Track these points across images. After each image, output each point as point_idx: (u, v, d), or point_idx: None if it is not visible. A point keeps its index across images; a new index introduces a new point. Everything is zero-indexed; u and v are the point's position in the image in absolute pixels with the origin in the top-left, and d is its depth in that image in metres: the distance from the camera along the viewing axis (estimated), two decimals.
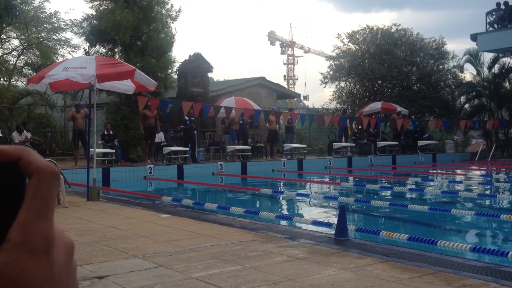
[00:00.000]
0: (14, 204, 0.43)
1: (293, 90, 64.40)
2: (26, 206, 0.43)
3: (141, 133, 15.93)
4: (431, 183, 13.96)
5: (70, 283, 0.45)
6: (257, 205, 10.61)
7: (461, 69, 26.89)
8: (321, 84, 29.83)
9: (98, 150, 13.20)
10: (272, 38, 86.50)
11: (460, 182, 13.67)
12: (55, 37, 26.27)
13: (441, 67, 27.07)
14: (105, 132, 15.79)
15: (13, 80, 24.38)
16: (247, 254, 4.59)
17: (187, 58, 21.97)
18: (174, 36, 18.69)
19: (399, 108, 22.50)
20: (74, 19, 25.23)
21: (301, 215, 8.83)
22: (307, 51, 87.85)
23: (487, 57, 24.85)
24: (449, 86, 26.83)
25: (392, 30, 27.71)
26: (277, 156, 18.98)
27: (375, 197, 10.70)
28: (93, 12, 17.97)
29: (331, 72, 28.50)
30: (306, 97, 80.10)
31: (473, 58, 25.11)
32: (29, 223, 0.42)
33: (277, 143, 19.21)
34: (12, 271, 0.41)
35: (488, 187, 12.96)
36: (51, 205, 0.44)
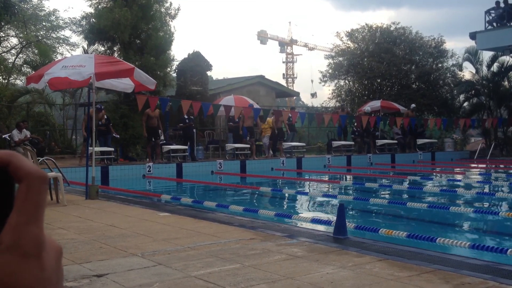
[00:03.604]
0: (4, 208, 0.43)
1: (292, 88, 64.40)
2: (16, 210, 0.43)
3: (144, 135, 15.80)
4: (430, 182, 13.97)
5: (59, 287, 0.45)
6: (256, 204, 10.61)
7: (460, 67, 26.90)
8: (320, 83, 29.85)
9: (97, 149, 13.19)
10: (262, 37, 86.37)
11: (459, 180, 13.69)
12: (54, 36, 26.27)
13: (440, 65, 27.07)
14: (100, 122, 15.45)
15: (12, 78, 24.36)
16: (246, 253, 4.59)
17: (186, 56, 21.94)
18: (173, 35, 18.68)
19: (412, 105, 22.53)
20: (73, 18, 25.19)
21: (300, 214, 8.83)
22: (311, 49, 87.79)
23: (486, 55, 24.89)
24: (448, 85, 26.84)
25: (391, 29, 27.70)
26: (277, 154, 18.97)
27: (374, 195, 10.71)
28: (92, 10, 17.97)
29: (330, 71, 28.51)
30: (314, 95, 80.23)
31: (472, 56, 25.11)
32: (20, 227, 0.43)
33: (281, 141, 19.20)
34: (3, 274, 0.41)
35: (487, 185, 12.98)
36: (41, 209, 0.44)
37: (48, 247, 0.45)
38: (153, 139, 15.64)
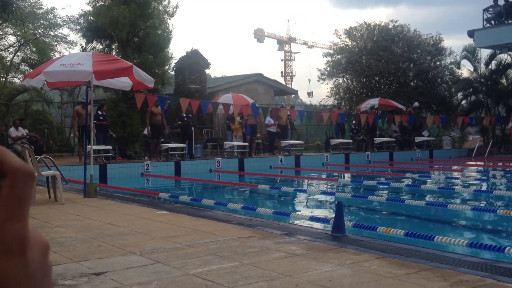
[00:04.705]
0: None
1: (290, 86, 64.41)
2: (0, 206, 0.43)
3: (148, 132, 15.74)
4: (428, 179, 13.99)
5: (45, 283, 0.45)
6: (255, 202, 10.62)
7: (458, 65, 26.93)
8: (318, 81, 29.87)
9: (95, 147, 13.17)
10: (258, 35, 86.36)
11: (457, 178, 13.70)
12: (52, 34, 26.17)
13: (438, 63, 27.09)
14: (100, 113, 15.40)
15: (9, 76, 24.30)
16: (245, 251, 4.59)
17: (184, 54, 21.92)
18: (171, 33, 18.64)
19: (415, 103, 22.60)
20: (71, 15, 25.21)
21: (299, 212, 8.84)
22: (311, 47, 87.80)
23: (484, 53, 24.91)
24: (446, 83, 26.86)
25: (390, 27, 27.70)
26: (275, 152, 19.00)
27: (372, 193, 10.72)
28: (89, 8, 17.92)
29: (328, 69, 28.51)
30: (310, 94, 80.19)
31: (470, 54, 25.14)
32: (3, 223, 0.42)
33: (280, 139, 19.22)
34: None
35: (485, 183, 13.00)
36: (26, 205, 0.44)
37: (33, 243, 0.45)
38: (157, 137, 15.56)
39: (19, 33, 24.73)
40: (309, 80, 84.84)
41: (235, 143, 17.46)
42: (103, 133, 15.12)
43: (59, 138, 20.78)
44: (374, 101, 22.78)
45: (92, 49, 18.48)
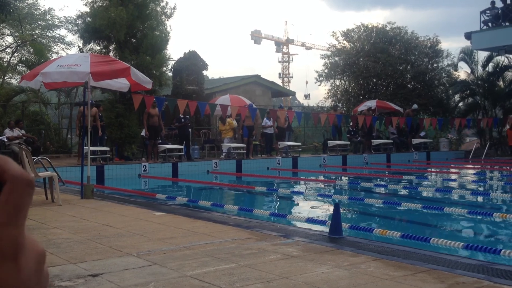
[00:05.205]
0: None
1: (288, 88, 64.42)
2: None
3: (146, 134, 15.71)
4: (425, 181, 14.00)
5: None
6: (252, 203, 10.61)
7: (455, 67, 26.98)
8: (316, 82, 29.90)
9: (92, 148, 13.15)
10: (256, 37, 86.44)
11: (454, 180, 13.72)
12: (49, 34, 26.17)
13: (435, 65, 27.13)
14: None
15: (7, 77, 24.27)
16: (242, 252, 4.59)
17: (182, 55, 21.92)
18: (169, 34, 18.62)
19: (414, 105, 22.68)
20: (69, 16, 25.14)
21: (296, 213, 8.84)
22: (309, 48, 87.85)
23: (482, 55, 24.98)
24: (444, 85, 26.91)
25: (387, 29, 27.75)
26: (273, 153, 19.02)
27: (369, 195, 10.72)
28: (87, 9, 17.90)
29: (326, 70, 28.53)
30: (307, 96, 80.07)
31: (468, 56, 25.19)
32: None
33: (278, 140, 19.25)
34: None
35: (482, 185, 13.03)
36: (23, 212, 0.44)
37: (29, 249, 0.45)
38: (154, 139, 15.54)
39: (16, 34, 24.72)
40: (307, 82, 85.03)
41: (232, 145, 17.46)
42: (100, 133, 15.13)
43: (56, 139, 20.75)
44: (372, 103, 22.80)
45: (89, 50, 18.46)
